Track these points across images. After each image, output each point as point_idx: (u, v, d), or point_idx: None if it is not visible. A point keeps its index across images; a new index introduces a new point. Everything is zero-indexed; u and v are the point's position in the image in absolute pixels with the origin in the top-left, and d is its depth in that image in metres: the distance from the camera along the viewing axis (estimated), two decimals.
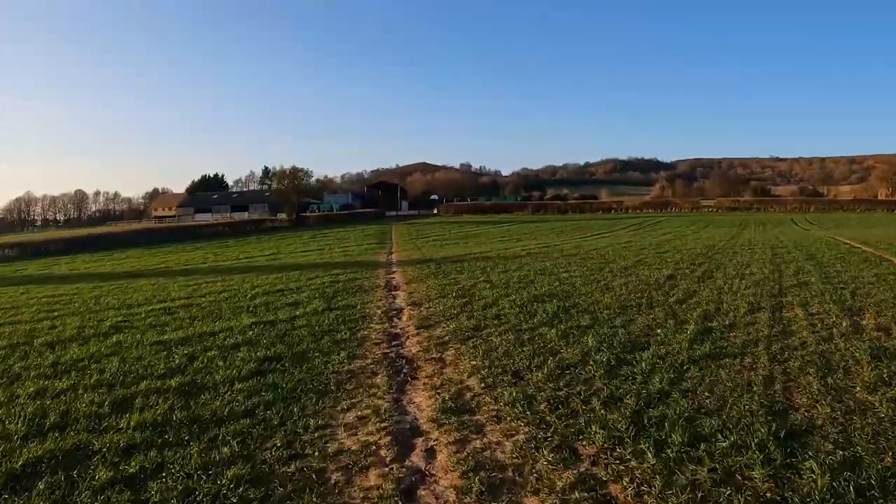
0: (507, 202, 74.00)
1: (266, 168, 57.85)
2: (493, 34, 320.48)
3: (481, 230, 41.94)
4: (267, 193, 62.08)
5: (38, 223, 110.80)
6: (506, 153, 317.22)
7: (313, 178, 60.51)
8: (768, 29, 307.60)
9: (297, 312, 10.19)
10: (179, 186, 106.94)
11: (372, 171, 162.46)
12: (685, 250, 19.98)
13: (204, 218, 67.00)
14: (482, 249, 23.80)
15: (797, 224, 44.98)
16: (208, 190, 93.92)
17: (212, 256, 29.58)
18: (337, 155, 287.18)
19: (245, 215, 65.39)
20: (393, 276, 15.71)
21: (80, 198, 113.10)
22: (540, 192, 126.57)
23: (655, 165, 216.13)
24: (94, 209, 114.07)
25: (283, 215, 56.74)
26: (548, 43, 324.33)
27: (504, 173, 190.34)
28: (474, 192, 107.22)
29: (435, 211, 68.44)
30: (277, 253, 29.21)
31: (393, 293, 12.46)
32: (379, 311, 10.14)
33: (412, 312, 9.91)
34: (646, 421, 4.72)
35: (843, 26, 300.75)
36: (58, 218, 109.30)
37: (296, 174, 58.18)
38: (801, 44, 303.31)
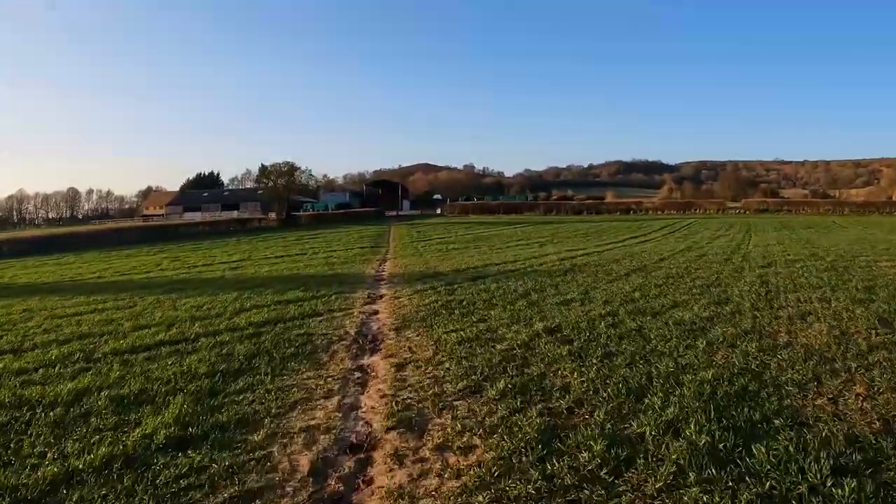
0: (516, 202, 66.88)
1: (263, 166, 51.17)
2: (496, 35, 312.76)
3: (492, 232, 35.38)
4: (260, 192, 55.63)
5: (38, 221, 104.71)
6: (508, 155, 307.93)
7: (309, 175, 53.94)
8: (773, 28, 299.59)
9: (82, 462, 3.68)
10: (176, 185, 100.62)
11: (374, 172, 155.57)
12: (799, 261, 13.91)
13: (193, 217, 60.72)
14: (504, 258, 17.30)
15: (844, 227, 38.57)
16: (202, 188, 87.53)
17: (166, 263, 23.16)
18: (338, 155, 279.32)
19: (234, 214, 59.12)
20: (377, 307, 9.25)
21: (72, 196, 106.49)
22: (545, 193, 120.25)
23: (659, 167, 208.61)
24: (87, 207, 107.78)
25: (273, 214, 50.35)
26: (551, 45, 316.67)
27: (507, 174, 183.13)
28: (478, 193, 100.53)
29: (438, 211, 61.63)
30: (246, 259, 22.76)
31: (363, 363, 5.99)
32: (304, 464, 3.61)
33: (397, 480, 3.36)
34: None
35: (848, 26, 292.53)
36: (50, 216, 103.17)
37: (292, 172, 51.71)
38: (805, 44, 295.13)
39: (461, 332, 6.86)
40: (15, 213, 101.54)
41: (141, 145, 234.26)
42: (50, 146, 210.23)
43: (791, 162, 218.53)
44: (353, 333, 7.18)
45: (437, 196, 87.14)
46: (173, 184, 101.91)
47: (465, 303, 8.99)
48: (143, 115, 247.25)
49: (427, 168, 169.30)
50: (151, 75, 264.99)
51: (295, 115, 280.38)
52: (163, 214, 71.30)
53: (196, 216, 61.83)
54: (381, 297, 10.43)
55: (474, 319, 7.68)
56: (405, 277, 13.28)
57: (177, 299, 11.55)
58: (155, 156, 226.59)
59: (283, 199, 49.00)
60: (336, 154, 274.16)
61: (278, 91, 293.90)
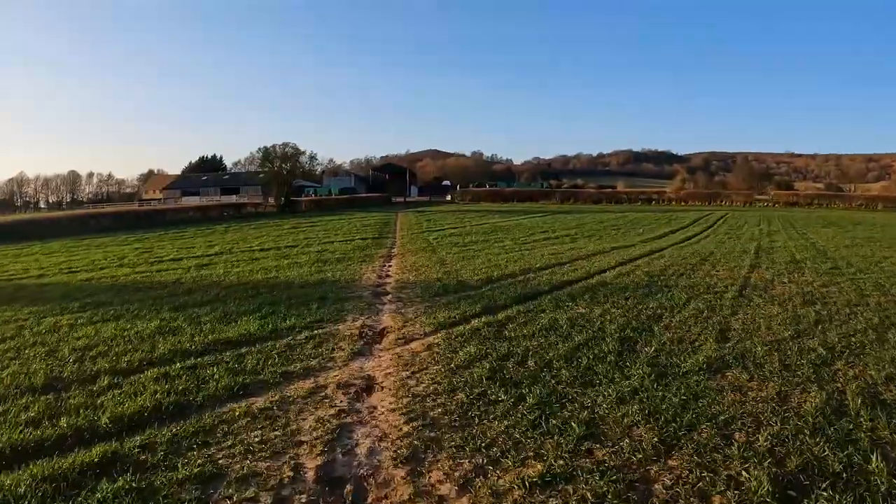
0: (531, 189, 61.96)
1: (265, 148, 47.03)
2: (504, 25, 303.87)
3: (510, 222, 31.18)
4: (261, 175, 51.47)
5: (42, 205, 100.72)
6: (517, 143, 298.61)
7: (310, 158, 49.72)
8: (782, 23, 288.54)
9: None
10: (180, 169, 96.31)
11: (381, 158, 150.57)
12: None
13: (189, 201, 56.62)
14: (543, 258, 13.22)
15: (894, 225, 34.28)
16: (205, 172, 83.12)
17: (132, 256, 19.16)
18: (345, 141, 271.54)
19: (234, 199, 54.99)
20: (372, 369, 5.15)
21: (72, 179, 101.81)
22: (556, 180, 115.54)
23: (669, 158, 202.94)
24: (87, 191, 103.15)
25: (272, 199, 46.22)
26: (559, 33, 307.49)
27: (516, 162, 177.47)
28: (487, 180, 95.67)
29: (448, 198, 57.06)
30: (226, 252, 18.75)
31: None
32: None
33: None
34: None
35: (857, 21, 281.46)
36: (51, 199, 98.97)
37: (296, 155, 47.44)
38: (816, 38, 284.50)
39: (565, 493, 2.75)
40: (16, 197, 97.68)
41: (147, 130, 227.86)
42: (52, 130, 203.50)
43: (802, 155, 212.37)
44: (310, 478, 3.07)
45: (447, 182, 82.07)
46: (178, 168, 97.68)
47: (532, 364, 4.90)
48: (150, 100, 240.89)
49: (435, 154, 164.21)
50: (157, 60, 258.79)
51: (301, 101, 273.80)
52: (160, 199, 67.29)
53: (194, 201, 57.71)
54: (383, 335, 6.33)
55: (576, 431, 3.57)
56: (419, 292, 9.18)
57: (79, 327, 7.58)
58: (161, 140, 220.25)
59: (283, 183, 44.79)
60: (343, 140, 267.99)
61: (285, 76, 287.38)
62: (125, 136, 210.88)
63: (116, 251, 21.03)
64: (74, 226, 33.63)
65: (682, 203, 52.23)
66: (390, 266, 13.54)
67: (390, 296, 9.07)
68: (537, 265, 12.03)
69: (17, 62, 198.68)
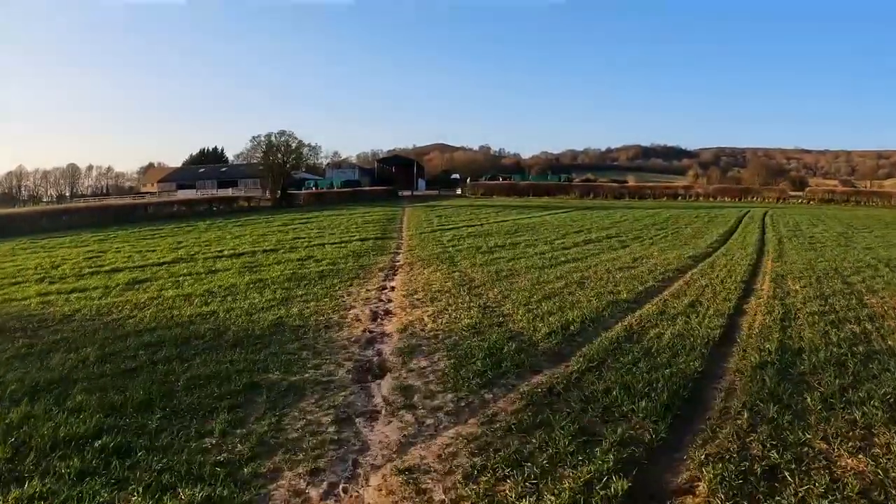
0: (548, 183, 57.04)
1: (264, 139, 42.68)
2: (510, 19, 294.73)
3: (532, 218, 26.55)
4: (261, 167, 47.22)
5: (45, 199, 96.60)
6: (524, 137, 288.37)
7: (311, 149, 45.28)
8: (790, 20, 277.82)
9: None
10: (181, 162, 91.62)
11: (388, 151, 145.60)
12: None
13: (187, 194, 52.41)
14: (616, 280, 8.81)
15: None
16: (205, 164, 78.64)
17: (70, 264, 15.07)
18: (351, 136, 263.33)
19: (229, 192, 50.67)
20: None
21: (72, 172, 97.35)
22: (566, 175, 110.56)
23: (678, 153, 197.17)
24: (86, 184, 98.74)
25: (268, 192, 41.85)
26: (566, 28, 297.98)
27: (524, 156, 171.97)
28: (499, 173, 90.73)
29: (458, 191, 52.30)
30: (184, 259, 14.46)
31: None
32: None
33: None
34: None
35: (869, 16, 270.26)
36: (50, 193, 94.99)
37: (299, 148, 42.97)
38: (825, 34, 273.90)
39: None
40: (21, 190, 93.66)
41: (151, 122, 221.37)
42: (55, 122, 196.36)
43: (812, 151, 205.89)
44: None
45: (456, 175, 76.90)
46: (180, 161, 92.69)
47: None
48: (153, 91, 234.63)
49: (443, 148, 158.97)
50: (162, 51, 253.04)
51: (306, 97, 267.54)
52: (156, 192, 62.99)
53: (189, 194, 53.39)
54: None
55: None
56: (445, 370, 4.81)
57: None
58: (165, 134, 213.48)
59: (280, 175, 40.34)
60: (349, 135, 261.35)
61: (290, 71, 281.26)
62: (128, 129, 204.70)
63: (61, 255, 16.74)
64: (43, 222, 29.22)
65: (711, 199, 47.43)
66: (393, 288, 9.14)
67: (388, 379, 4.68)
68: (623, 294, 7.59)
69: (16, 51, 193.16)
